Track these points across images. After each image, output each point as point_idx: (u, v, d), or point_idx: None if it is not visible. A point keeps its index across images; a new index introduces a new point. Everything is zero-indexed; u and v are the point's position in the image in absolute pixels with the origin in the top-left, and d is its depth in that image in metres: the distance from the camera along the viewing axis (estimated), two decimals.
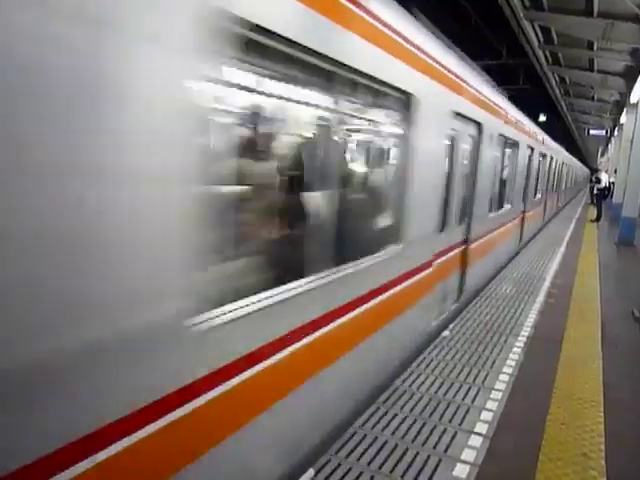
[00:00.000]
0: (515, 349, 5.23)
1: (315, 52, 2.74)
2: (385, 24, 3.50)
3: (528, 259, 10.38)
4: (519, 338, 5.57)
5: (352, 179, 4.04)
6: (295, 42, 2.55)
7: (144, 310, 1.84)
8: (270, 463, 2.83)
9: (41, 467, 1.53)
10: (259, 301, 2.51)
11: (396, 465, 3.16)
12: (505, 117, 8.25)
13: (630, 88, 15.70)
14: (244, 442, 2.47)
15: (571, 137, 46.86)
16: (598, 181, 21.55)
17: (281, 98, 3.12)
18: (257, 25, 2.25)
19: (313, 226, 3.21)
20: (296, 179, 3.28)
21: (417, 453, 3.28)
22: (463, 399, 4.06)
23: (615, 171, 22.17)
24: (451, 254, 6.07)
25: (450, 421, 3.71)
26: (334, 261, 3.28)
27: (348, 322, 3.45)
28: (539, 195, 14.49)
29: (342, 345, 3.48)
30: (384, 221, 4.33)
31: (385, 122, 4.33)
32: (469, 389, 4.24)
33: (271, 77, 2.88)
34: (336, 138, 3.46)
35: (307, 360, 3.01)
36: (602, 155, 46.86)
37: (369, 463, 3.15)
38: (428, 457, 3.25)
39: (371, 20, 3.30)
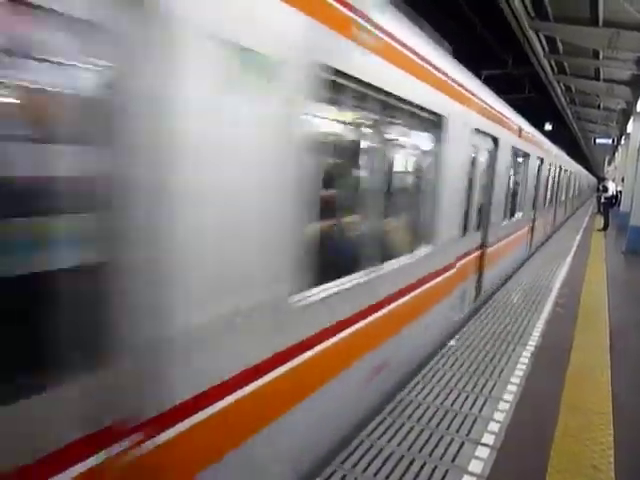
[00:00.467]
0: (522, 359, 5.19)
1: (386, 92, 3.58)
2: (434, 66, 4.44)
3: (535, 267, 10.33)
4: (527, 347, 5.53)
5: (403, 188, 4.83)
6: (379, 88, 3.45)
7: (266, 290, 2.54)
8: (347, 407, 3.57)
9: (196, 402, 2.14)
10: (335, 287, 3.23)
11: (403, 476, 3.13)
12: (518, 131, 8.90)
13: (636, 96, 15.70)
14: (330, 392, 3.26)
15: (577, 146, 46.77)
16: (605, 190, 21.49)
17: (357, 124, 3.85)
18: (343, 72, 2.98)
19: (376, 228, 3.89)
20: (366, 189, 3.84)
21: (424, 464, 3.26)
22: (470, 409, 4.03)
23: (622, 179, 22.08)
24: (470, 257, 6.68)
25: (457, 432, 3.68)
26: (385, 258, 3.99)
27: (389, 312, 4.05)
28: (548, 203, 15.05)
29: (388, 330, 4.18)
30: (420, 224, 4.93)
31: (425, 141, 4.98)
32: (476, 399, 4.21)
33: (352, 109, 3.60)
34: (393, 155, 4.40)
35: (366, 337, 3.73)
36: (609, 164, 46.74)
37: (375, 474, 3.13)
38: (435, 468, 3.23)
39: (426, 65, 4.26)
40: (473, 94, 5.81)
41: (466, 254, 6.38)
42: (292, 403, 2.84)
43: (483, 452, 3.43)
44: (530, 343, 5.69)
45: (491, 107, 6.77)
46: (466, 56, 6.43)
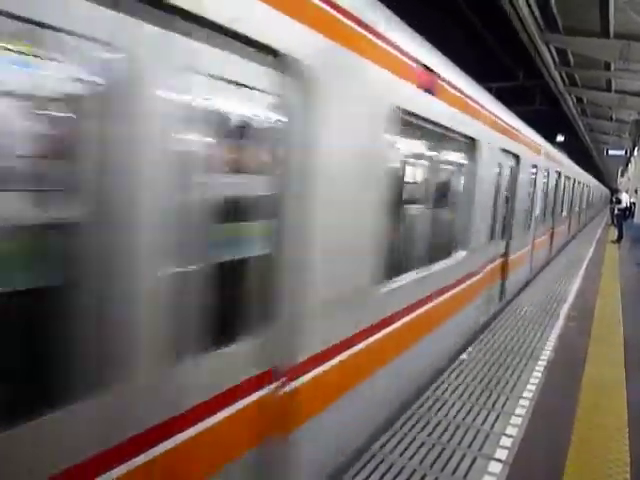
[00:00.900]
0: (535, 373, 5.14)
1: (439, 124, 4.46)
2: (471, 97, 5.29)
3: (549, 279, 10.24)
4: (539, 362, 5.47)
5: (447, 200, 5.60)
6: (436, 123, 4.37)
7: (361, 279, 3.32)
8: (418, 368, 4.53)
9: (323, 355, 2.94)
10: (403, 280, 4.06)
11: None
12: (537, 148, 9.70)
13: None
14: (407, 359, 4.18)
15: (590, 157, 46.48)
16: (618, 201, 21.26)
17: (419, 150, 4.78)
18: (411, 112, 3.82)
19: (430, 234, 4.80)
20: (429, 201, 4.78)
21: (435, 479, 3.23)
22: (482, 424, 3.99)
23: (636, 191, 21.89)
24: (496, 263, 7.47)
25: (469, 446, 3.65)
26: (433, 259, 4.84)
27: (433, 307, 4.79)
28: (564, 214, 15.82)
29: (436, 320, 5.01)
30: (458, 231, 5.74)
31: (464, 161, 5.77)
32: (488, 414, 4.17)
33: (415, 138, 4.54)
34: (442, 174, 5.37)
35: (420, 325, 4.47)
36: (622, 175, 46.32)
37: None
38: None
39: (465, 98, 5.05)
40: (499, 117, 6.67)
41: (492, 260, 7.14)
42: (378, 364, 3.72)
43: (496, 467, 3.39)
44: (542, 357, 5.63)
45: (513, 127, 7.56)
46: (477, 69, 6.47)
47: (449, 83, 4.58)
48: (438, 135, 4.69)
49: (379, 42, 3.24)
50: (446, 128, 4.66)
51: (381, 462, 3.37)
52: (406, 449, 3.56)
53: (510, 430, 3.91)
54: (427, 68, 4.01)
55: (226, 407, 2.29)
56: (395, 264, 3.92)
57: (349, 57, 2.93)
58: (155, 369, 1.93)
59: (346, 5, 2.79)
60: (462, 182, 5.79)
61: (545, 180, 11.15)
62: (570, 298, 8.69)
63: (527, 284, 9.96)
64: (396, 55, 3.50)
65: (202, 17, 1.91)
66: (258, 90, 2.34)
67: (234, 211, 2.45)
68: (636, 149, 25.06)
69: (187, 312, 2.06)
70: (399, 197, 4.27)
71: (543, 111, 25.19)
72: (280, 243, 2.53)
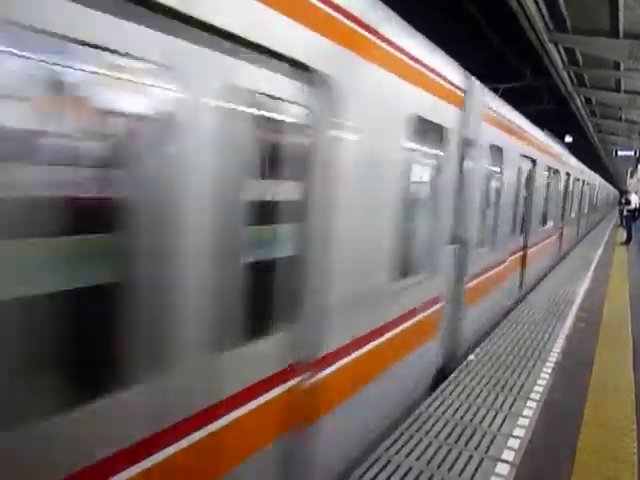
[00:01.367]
0: (543, 374, 5.12)
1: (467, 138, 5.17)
2: (499, 113, 6.35)
3: (556, 280, 10.18)
4: (547, 363, 5.45)
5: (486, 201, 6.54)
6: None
7: (379, 278, 3.62)
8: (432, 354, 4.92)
9: (348, 348, 3.23)
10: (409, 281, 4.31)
11: None
12: (549, 152, 10.60)
13: None
14: (423, 352, 4.60)
15: (598, 158, 46.14)
16: (628, 202, 21.09)
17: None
18: (426, 119, 4.14)
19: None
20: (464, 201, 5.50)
21: None
22: (490, 425, 3.98)
23: None
24: (516, 255, 8.40)
25: (476, 448, 3.64)
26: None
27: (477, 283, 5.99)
28: (574, 214, 16.39)
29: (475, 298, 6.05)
30: (488, 225, 6.61)
31: (494, 166, 6.66)
32: (496, 415, 4.16)
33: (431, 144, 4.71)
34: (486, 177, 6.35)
35: (420, 329, 4.62)
36: (631, 176, 45.96)
37: None
38: None
39: (494, 115, 6.13)
40: (519, 127, 7.56)
41: (513, 252, 8.07)
42: (399, 355, 4.11)
43: (503, 469, 3.39)
44: (550, 359, 5.60)
45: (530, 134, 8.51)
46: (483, 69, 6.47)
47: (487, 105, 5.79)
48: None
49: (406, 59, 3.63)
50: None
51: (388, 463, 3.37)
52: (413, 450, 3.56)
53: (517, 431, 3.90)
54: (447, 80, 4.54)
55: (264, 393, 2.53)
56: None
57: (374, 71, 3.23)
58: (211, 355, 2.18)
59: (384, 31, 3.24)
60: (490, 184, 6.65)
61: (560, 181, 12.08)
62: (578, 300, 8.64)
63: (541, 279, 10.69)
64: (420, 71, 3.95)
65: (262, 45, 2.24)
66: (293, 102, 2.63)
67: (268, 214, 2.70)
68: None
69: (238, 306, 2.31)
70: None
71: (551, 111, 25.01)
72: (309, 243, 2.78)
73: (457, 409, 4.23)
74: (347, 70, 2.90)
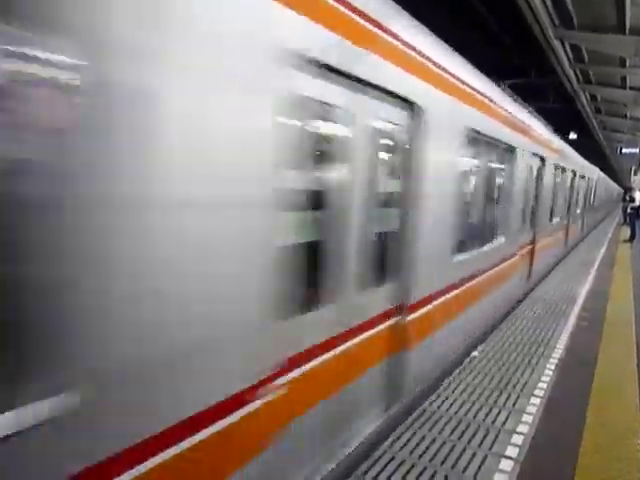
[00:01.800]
0: (547, 371, 5.11)
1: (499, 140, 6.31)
2: (521, 120, 7.36)
3: (560, 278, 10.16)
4: (550, 360, 5.44)
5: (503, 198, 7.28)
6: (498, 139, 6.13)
7: (445, 252, 4.72)
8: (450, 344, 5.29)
9: (428, 299, 4.41)
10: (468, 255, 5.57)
11: None
12: (556, 150, 11.02)
13: None
14: (438, 338, 4.82)
15: (603, 155, 45.93)
16: (632, 200, 20.99)
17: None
18: (479, 131, 5.30)
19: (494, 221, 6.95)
20: (491, 199, 6.93)
21: (446, 477, 3.22)
22: (493, 422, 3.98)
23: None
24: (526, 249, 8.91)
25: (480, 444, 3.64)
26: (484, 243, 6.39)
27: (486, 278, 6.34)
28: (579, 210, 16.51)
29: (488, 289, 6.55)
30: (500, 219, 7.15)
31: (507, 165, 7.23)
32: (499, 412, 4.16)
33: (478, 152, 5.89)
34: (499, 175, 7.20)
35: (466, 296, 5.53)
36: (635, 173, 45.75)
37: None
38: None
39: (518, 122, 7.11)
40: (530, 127, 8.14)
41: (523, 245, 8.57)
42: (452, 315, 5.10)
43: (507, 465, 3.39)
44: (554, 356, 5.59)
45: (540, 134, 9.10)
46: (488, 66, 6.44)
47: (507, 110, 6.57)
48: (499, 148, 6.55)
49: (467, 89, 4.83)
50: (500, 141, 6.32)
51: (392, 459, 3.38)
52: (416, 446, 3.56)
53: (521, 428, 3.90)
54: (486, 96, 5.54)
55: (381, 324, 3.70)
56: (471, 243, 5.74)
57: (445, 99, 4.33)
58: (358, 291, 3.33)
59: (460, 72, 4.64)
60: (505, 182, 7.29)
61: (566, 178, 12.61)
62: (581, 298, 8.62)
63: (546, 274, 10.87)
64: (475, 95, 5.11)
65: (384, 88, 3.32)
66: (401, 125, 3.75)
67: (385, 201, 3.75)
68: None
69: (373, 262, 3.48)
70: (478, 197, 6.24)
71: (556, 108, 24.89)
72: (406, 223, 3.89)
73: (461, 406, 4.23)
74: (430, 101, 3.96)
